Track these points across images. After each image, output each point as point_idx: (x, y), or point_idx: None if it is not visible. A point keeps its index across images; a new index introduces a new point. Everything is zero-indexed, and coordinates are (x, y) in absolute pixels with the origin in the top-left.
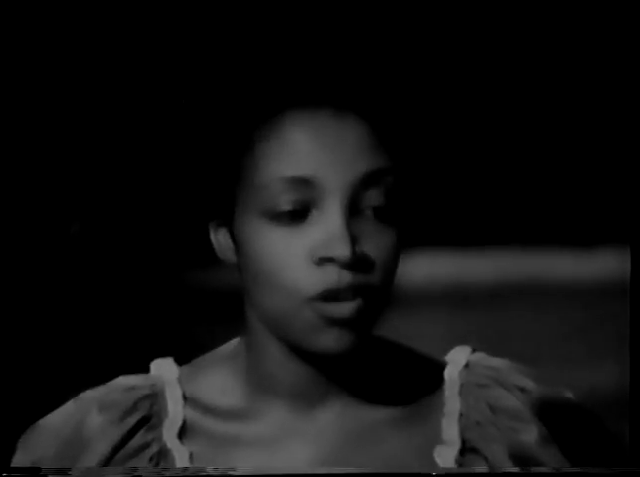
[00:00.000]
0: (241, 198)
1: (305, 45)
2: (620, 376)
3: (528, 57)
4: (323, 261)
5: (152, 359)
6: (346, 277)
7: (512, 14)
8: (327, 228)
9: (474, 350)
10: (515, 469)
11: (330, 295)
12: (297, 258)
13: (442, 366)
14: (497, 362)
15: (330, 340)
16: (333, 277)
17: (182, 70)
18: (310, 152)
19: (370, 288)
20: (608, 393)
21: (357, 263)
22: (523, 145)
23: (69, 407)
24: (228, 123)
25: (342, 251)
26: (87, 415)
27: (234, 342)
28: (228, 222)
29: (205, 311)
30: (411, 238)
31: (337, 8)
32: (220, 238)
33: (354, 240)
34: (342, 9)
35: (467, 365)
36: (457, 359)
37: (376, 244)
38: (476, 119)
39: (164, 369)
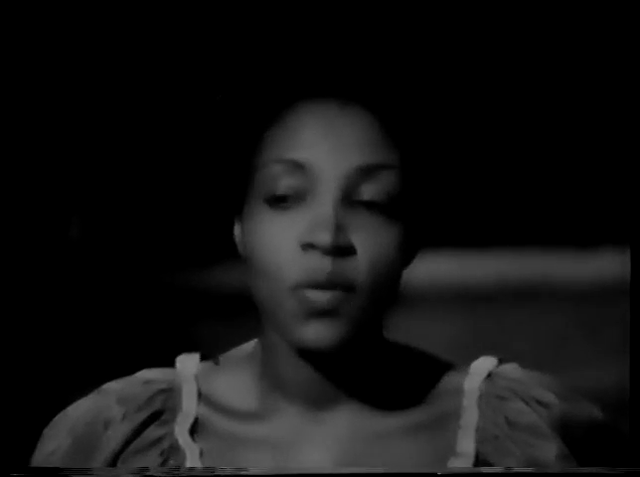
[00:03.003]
0: (249, 185)
1: (314, 37)
2: (620, 375)
3: (531, 56)
4: (306, 247)
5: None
6: (327, 265)
7: (521, 7)
8: (316, 214)
9: (500, 360)
10: (517, 469)
11: (311, 283)
12: (286, 244)
13: (463, 375)
14: (521, 374)
15: (311, 332)
16: (315, 264)
17: (189, 70)
18: (309, 139)
19: (353, 280)
20: (609, 392)
21: (340, 252)
22: (524, 146)
23: (89, 399)
24: (240, 117)
25: (323, 237)
26: (105, 408)
27: (252, 342)
28: (241, 214)
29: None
30: (425, 239)
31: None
32: (237, 233)
33: (341, 230)
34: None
35: (489, 376)
36: (480, 369)
37: (367, 239)
38: (477, 121)
39: (186, 365)
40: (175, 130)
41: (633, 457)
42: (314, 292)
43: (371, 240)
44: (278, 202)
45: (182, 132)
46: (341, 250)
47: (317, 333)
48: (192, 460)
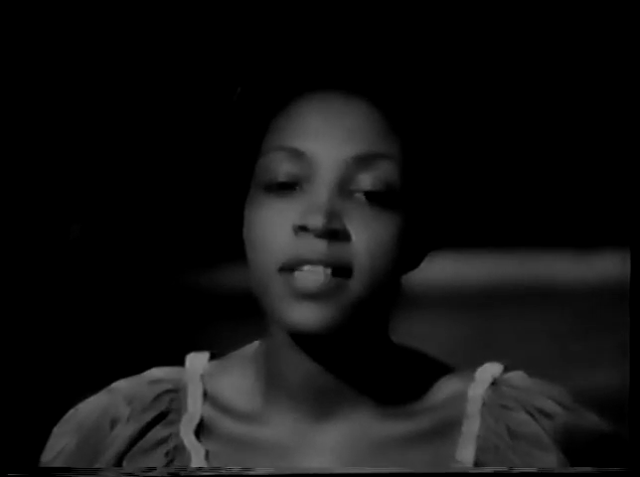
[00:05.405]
0: (253, 174)
1: (320, 30)
2: (620, 377)
3: (532, 56)
4: (298, 229)
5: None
6: (319, 248)
7: (524, 1)
8: (311, 199)
9: (506, 367)
10: (517, 469)
11: (301, 265)
12: (280, 228)
13: (468, 381)
14: (527, 382)
15: (299, 314)
16: (306, 247)
17: (194, 66)
18: (311, 128)
19: (346, 266)
20: (608, 394)
21: (332, 236)
22: (524, 147)
23: (98, 397)
24: (248, 106)
25: (315, 220)
26: (113, 407)
27: (256, 342)
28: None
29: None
30: (434, 241)
31: None
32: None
33: (334, 215)
34: None
35: (494, 383)
36: (484, 376)
37: (362, 227)
38: (479, 119)
39: (194, 364)
40: (179, 128)
41: (633, 457)
42: (304, 274)
43: (366, 229)
44: (276, 188)
45: (186, 128)
46: (334, 234)
47: (306, 315)
48: (197, 461)
